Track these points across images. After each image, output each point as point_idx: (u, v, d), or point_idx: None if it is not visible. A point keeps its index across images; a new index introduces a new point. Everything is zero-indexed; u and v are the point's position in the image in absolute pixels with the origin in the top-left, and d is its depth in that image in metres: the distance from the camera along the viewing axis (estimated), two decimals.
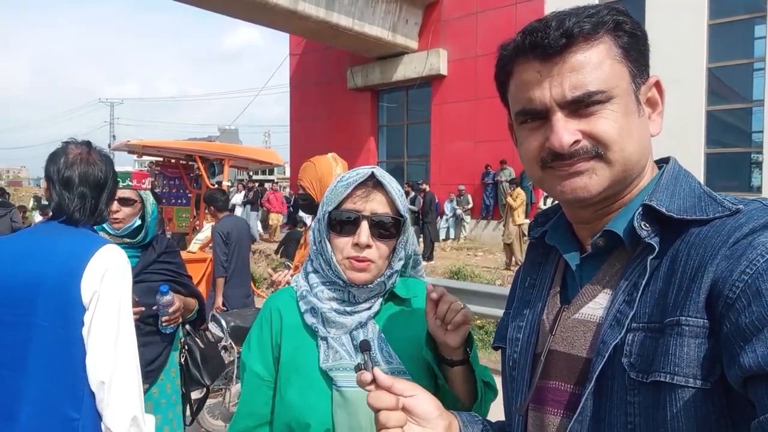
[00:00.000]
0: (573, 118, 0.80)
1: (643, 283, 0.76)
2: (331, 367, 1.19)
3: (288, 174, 24.76)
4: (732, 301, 0.66)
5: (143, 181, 2.51)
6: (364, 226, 1.23)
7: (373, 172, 1.26)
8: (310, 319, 1.25)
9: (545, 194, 12.17)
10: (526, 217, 11.74)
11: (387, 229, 1.24)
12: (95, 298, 1.65)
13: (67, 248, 1.68)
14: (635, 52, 0.81)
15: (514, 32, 0.86)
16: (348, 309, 1.25)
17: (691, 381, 0.68)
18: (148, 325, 2.40)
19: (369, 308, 1.27)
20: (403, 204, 1.28)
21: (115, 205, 2.39)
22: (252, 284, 9.59)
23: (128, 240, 2.45)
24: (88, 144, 1.88)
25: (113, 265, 1.72)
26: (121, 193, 2.40)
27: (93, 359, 1.63)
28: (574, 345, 0.84)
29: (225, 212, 5.79)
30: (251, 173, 25.54)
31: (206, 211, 6.03)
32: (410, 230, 1.35)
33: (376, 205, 1.24)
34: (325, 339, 1.23)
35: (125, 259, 1.79)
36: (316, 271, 1.30)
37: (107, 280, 1.69)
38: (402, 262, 1.32)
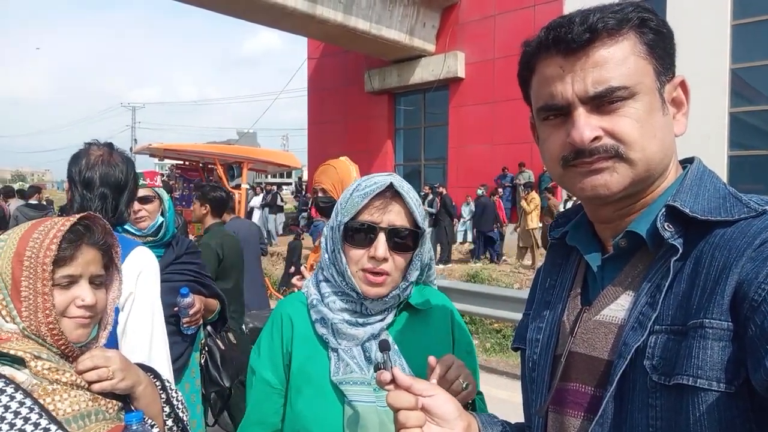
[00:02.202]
0: (595, 114, 0.79)
1: (666, 284, 0.75)
2: (341, 380, 1.17)
3: (306, 177, 24.90)
4: (757, 304, 0.65)
5: (155, 178, 2.57)
6: (381, 238, 1.19)
7: (392, 182, 1.21)
8: (320, 329, 1.23)
9: (565, 198, 12.07)
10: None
11: (404, 241, 1.21)
12: (131, 299, 1.67)
13: None
14: (660, 49, 0.80)
15: (532, 34, 0.86)
16: (360, 320, 1.22)
17: (714, 384, 0.67)
18: (169, 325, 2.43)
19: (382, 320, 1.24)
20: (421, 215, 1.24)
21: (136, 205, 2.43)
22: (269, 285, 9.64)
23: (151, 238, 2.48)
24: (109, 145, 1.89)
25: (146, 266, 1.74)
26: (138, 192, 2.45)
27: (130, 358, 1.66)
28: (595, 347, 0.83)
29: (232, 215, 5.84)
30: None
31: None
32: (428, 241, 1.32)
33: (393, 216, 1.20)
34: (335, 351, 1.20)
35: (155, 260, 1.81)
36: (327, 280, 1.27)
37: (141, 281, 1.71)
38: (417, 273, 1.29)
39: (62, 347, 1.15)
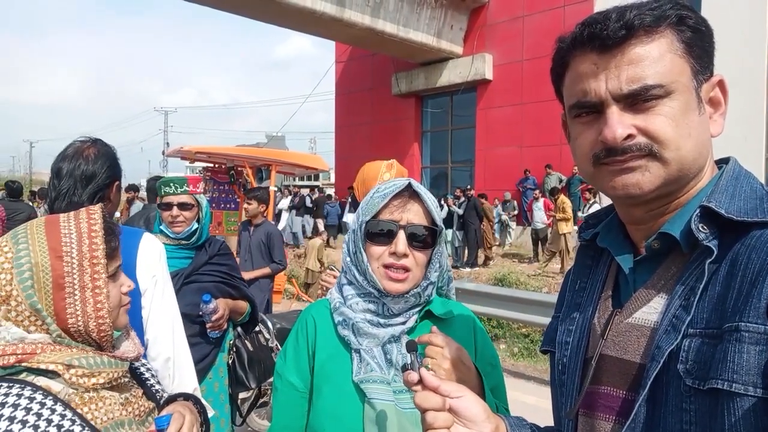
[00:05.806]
0: (628, 113, 0.78)
1: (701, 287, 0.74)
2: (362, 379, 1.19)
3: (333, 180, 25.04)
4: None
5: (198, 185, 2.62)
6: (401, 235, 1.24)
7: (410, 183, 1.27)
8: (343, 331, 1.26)
9: (592, 201, 11.87)
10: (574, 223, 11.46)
11: (423, 239, 1.25)
12: (153, 281, 1.75)
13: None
14: (698, 48, 0.79)
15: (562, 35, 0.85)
16: (381, 321, 1.25)
17: (750, 389, 0.66)
18: (195, 326, 2.49)
19: (403, 323, 1.27)
20: (438, 215, 1.29)
21: (175, 210, 2.50)
22: (296, 287, 9.69)
23: (184, 242, 2.54)
24: (93, 140, 1.90)
25: (162, 249, 1.84)
26: (179, 198, 2.52)
27: (156, 338, 1.73)
28: (627, 350, 0.82)
29: (264, 218, 5.52)
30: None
31: (249, 206, 5.39)
32: (445, 253, 1.35)
33: (412, 215, 1.25)
34: (357, 351, 1.23)
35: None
36: (350, 283, 1.31)
37: (162, 264, 1.80)
38: (437, 274, 1.32)
39: (103, 341, 1.14)
